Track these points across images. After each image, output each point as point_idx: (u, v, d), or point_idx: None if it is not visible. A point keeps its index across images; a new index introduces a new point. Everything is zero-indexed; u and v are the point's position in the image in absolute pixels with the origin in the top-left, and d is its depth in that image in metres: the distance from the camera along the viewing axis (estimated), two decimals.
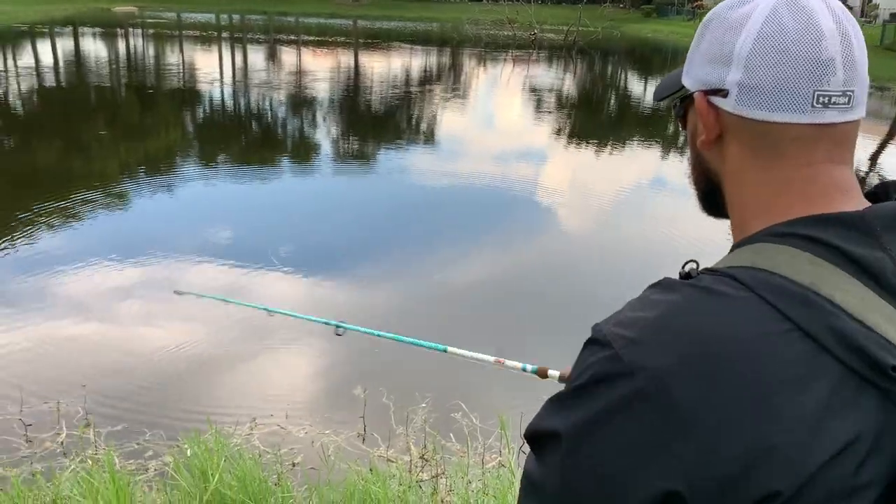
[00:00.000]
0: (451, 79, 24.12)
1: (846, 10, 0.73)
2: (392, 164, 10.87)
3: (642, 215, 8.62)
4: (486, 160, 11.24)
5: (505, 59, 30.67)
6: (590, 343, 0.68)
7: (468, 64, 29.78)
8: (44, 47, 30.58)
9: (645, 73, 30.44)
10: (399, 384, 4.19)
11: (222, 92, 18.71)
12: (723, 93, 0.73)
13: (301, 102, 17.13)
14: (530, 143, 12.93)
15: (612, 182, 10.14)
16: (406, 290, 5.94)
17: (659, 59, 37.84)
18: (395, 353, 4.81)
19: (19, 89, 18.13)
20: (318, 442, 3.62)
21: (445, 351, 1.65)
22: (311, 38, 39.79)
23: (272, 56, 29.76)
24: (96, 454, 3.33)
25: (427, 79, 23.50)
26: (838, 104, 0.70)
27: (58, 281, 5.70)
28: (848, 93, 0.70)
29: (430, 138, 13.26)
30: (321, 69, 24.85)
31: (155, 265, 6.10)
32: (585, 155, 12.35)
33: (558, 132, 14.24)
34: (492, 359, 1.48)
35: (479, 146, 12.64)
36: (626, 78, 28.32)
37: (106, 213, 7.84)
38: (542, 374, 1.39)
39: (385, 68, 26.56)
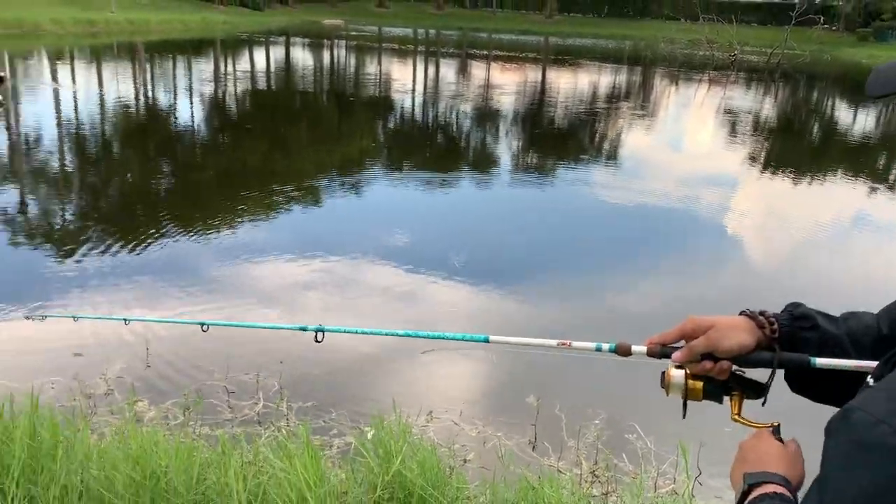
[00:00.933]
0: (640, 97, 23.58)
1: None
2: (573, 180, 10.81)
3: (841, 253, 7.96)
4: (671, 182, 10.87)
5: (700, 80, 29.52)
6: None
7: (660, 83, 28.98)
8: (259, 54, 33.46)
9: (855, 101, 28.07)
10: (573, 397, 4.16)
11: (413, 102, 19.53)
12: None
13: (486, 115, 17.48)
14: (721, 168, 12.35)
15: (809, 215, 9.43)
16: (575, 307, 5.88)
17: None
18: (571, 366, 4.78)
19: (235, 91, 19.97)
20: (490, 443, 3.68)
21: (487, 341, 1.47)
22: (502, 53, 40.48)
23: (463, 69, 30.62)
24: (288, 425, 3.59)
25: (615, 96, 23.14)
26: None
27: (254, 268, 6.22)
28: None
29: (613, 156, 13.05)
30: (509, 83, 25.22)
31: (341, 261, 6.47)
32: (781, 184, 11.59)
33: (752, 158, 13.48)
34: (554, 342, 1.27)
35: (665, 167, 12.26)
36: (833, 105, 26.27)
37: (300, 209, 8.44)
38: (624, 351, 1.19)
39: (572, 85, 26.47)
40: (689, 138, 16.12)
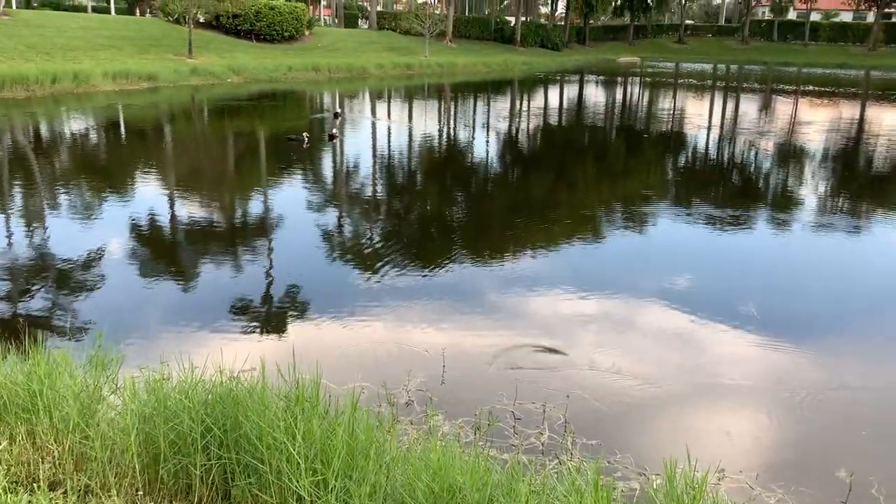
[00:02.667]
0: None
1: None
2: (890, 231, 9.49)
3: None
4: None
5: None
6: None
7: None
8: (553, 92, 34.45)
9: None
10: (893, 478, 3.63)
11: (708, 138, 18.69)
12: None
13: (788, 154, 16.12)
14: None
15: None
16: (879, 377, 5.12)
17: None
18: (892, 446, 4.20)
19: (528, 128, 20.75)
20: None
21: None
22: (812, 88, 37.21)
23: (765, 105, 28.66)
24: (571, 459, 3.60)
25: None
26: None
27: (537, 300, 6.35)
28: None
29: None
30: (818, 120, 23.07)
31: (616, 300, 6.36)
32: None
33: None
34: None
35: None
36: None
37: (580, 243, 8.46)
38: None
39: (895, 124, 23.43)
40: None
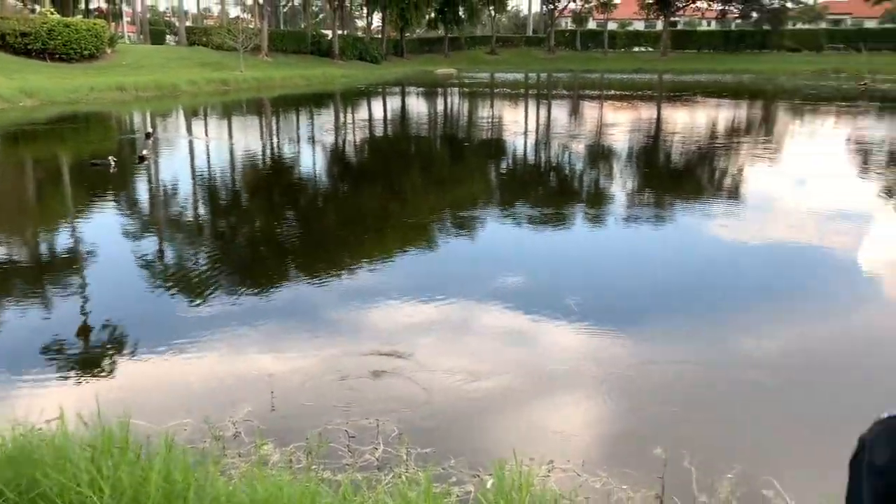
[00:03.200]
0: (761, 132, 22.65)
1: None
2: (691, 220, 10.42)
3: None
4: (798, 219, 10.28)
5: (827, 112, 28.09)
6: None
7: (783, 117, 27.79)
8: (375, 104, 34.70)
9: None
10: (703, 450, 3.93)
11: (525, 143, 19.59)
12: None
13: (598, 154, 17.27)
14: (853, 205, 11.58)
15: None
16: (694, 354, 5.60)
17: None
18: (700, 419, 4.55)
19: (354, 139, 20.74)
20: (615, 496, 3.51)
21: None
22: (614, 92, 40.13)
23: (574, 111, 30.53)
24: (407, 472, 3.58)
25: (734, 132, 22.34)
26: None
27: (373, 312, 6.32)
28: None
29: (733, 194, 12.51)
30: (621, 122, 24.90)
31: (451, 304, 6.48)
32: None
33: (888, 192, 12.57)
34: None
35: (791, 204, 11.62)
36: None
37: (416, 253, 8.56)
38: None
39: (688, 121, 25.81)
40: (814, 172, 15.26)
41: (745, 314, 6.45)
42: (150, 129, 19.33)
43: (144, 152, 15.24)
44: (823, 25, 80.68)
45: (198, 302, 6.55)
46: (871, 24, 78.31)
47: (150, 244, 9.14)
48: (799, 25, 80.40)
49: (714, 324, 6.25)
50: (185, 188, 12.90)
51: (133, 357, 5.32)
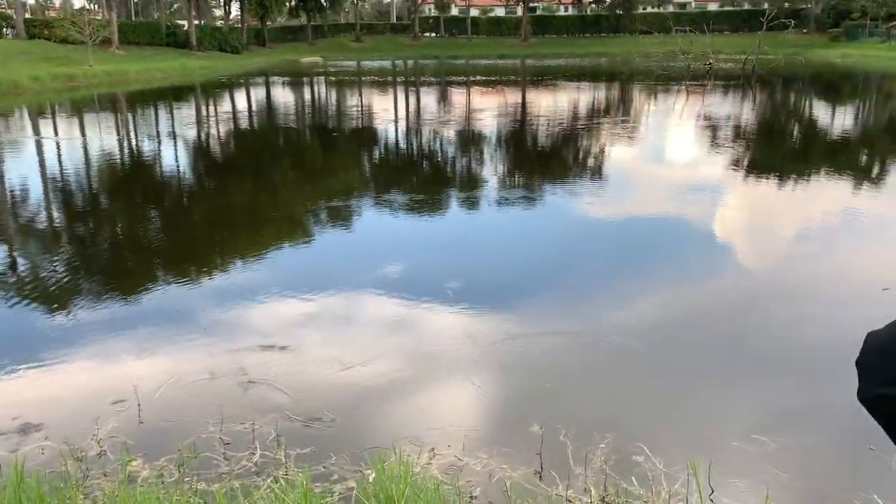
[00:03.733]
0: (619, 112, 23.71)
1: None
2: (558, 199, 10.79)
3: (832, 251, 7.94)
4: (657, 194, 10.86)
5: (678, 91, 29.78)
6: None
7: (638, 97, 29.21)
8: (239, 96, 33.59)
9: (833, 99, 28.35)
10: (577, 423, 4.07)
11: (396, 130, 19.58)
12: None
13: (468, 140, 17.52)
14: (705, 177, 12.36)
15: (797, 216, 9.44)
16: (571, 330, 5.81)
17: (849, 85, 35.17)
18: (573, 391, 4.71)
19: (218, 133, 19.98)
20: (496, 476, 3.58)
21: None
22: (479, 77, 40.78)
23: (442, 97, 30.79)
24: (286, 475, 3.49)
25: (594, 113, 23.27)
26: None
27: (247, 311, 6.13)
28: None
29: (596, 172, 13.05)
30: (488, 107, 25.35)
31: (333, 297, 6.40)
32: (765, 188, 11.61)
33: (736, 164, 13.51)
34: None
35: (649, 180, 12.26)
36: (811, 106, 26.50)
37: (290, 247, 8.37)
38: None
39: (551, 104, 26.64)
40: (671, 149, 16.17)
41: (613, 286, 6.75)
42: None
43: None
44: (671, 9, 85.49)
45: (57, 312, 6.11)
46: (713, 7, 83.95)
47: None
48: (649, 9, 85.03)
49: (584, 297, 6.49)
50: (36, 191, 11.99)
51: None
